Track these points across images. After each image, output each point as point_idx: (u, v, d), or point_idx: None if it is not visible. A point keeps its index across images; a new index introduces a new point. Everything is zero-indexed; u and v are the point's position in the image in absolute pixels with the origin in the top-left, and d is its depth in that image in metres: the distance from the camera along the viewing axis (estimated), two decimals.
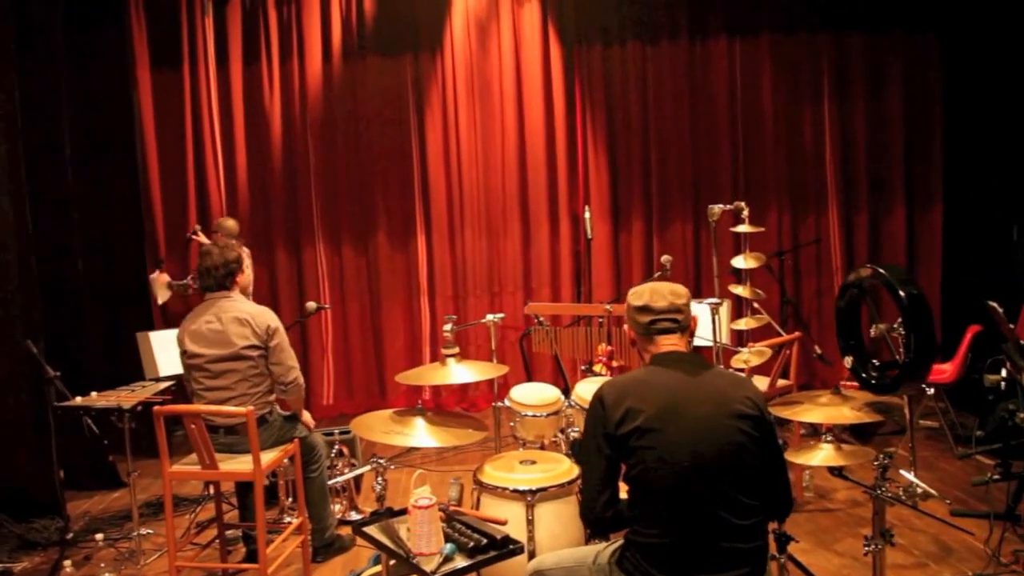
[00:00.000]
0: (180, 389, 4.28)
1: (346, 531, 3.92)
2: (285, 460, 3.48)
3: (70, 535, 3.99)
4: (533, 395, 3.17)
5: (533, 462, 2.91)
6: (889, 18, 6.13)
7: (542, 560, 2.36)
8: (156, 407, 3.20)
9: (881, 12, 6.11)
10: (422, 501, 2.27)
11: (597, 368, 3.81)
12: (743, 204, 4.08)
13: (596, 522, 2.21)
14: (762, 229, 4.71)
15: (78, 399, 3.80)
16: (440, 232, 6.16)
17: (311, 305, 4.34)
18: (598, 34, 6.12)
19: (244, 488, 3.72)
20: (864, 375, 3.24)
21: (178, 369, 4.21)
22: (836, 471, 2.75)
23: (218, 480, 3.52)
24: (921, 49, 6.19)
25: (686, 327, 2.24)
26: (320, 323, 6.12)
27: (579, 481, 2.70)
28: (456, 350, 3.07)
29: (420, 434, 2.82)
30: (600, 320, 4.54)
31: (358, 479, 4.43)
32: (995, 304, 3.58)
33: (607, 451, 2.12)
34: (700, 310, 4.08)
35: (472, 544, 2.29)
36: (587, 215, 4.94)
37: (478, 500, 2.87)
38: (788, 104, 6.24)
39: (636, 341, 2.28)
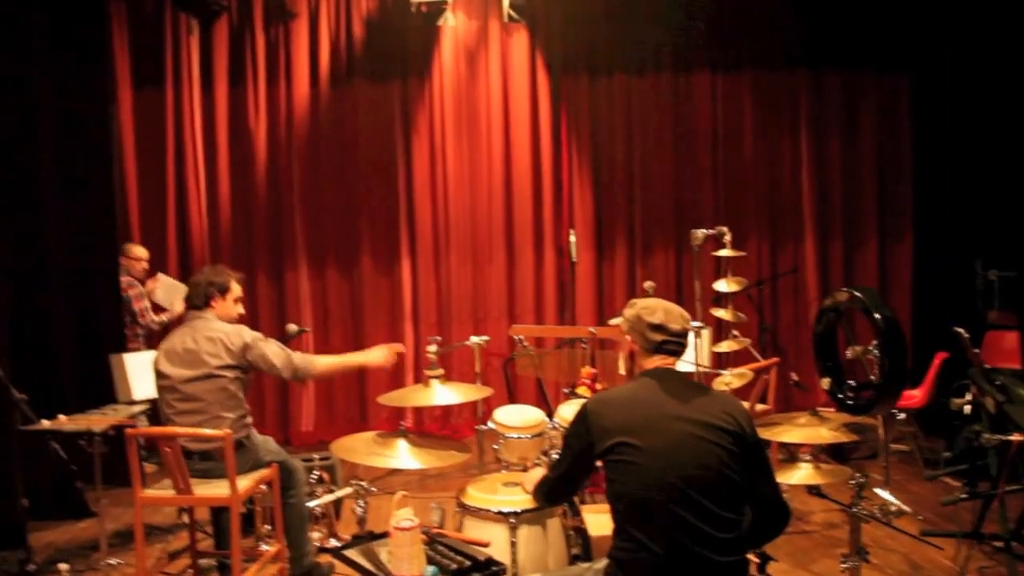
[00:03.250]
0: (155, 413, 4.23)
1: (325, 559, 3.87)
2: (263, 486, 3.43)
3: (32, 567, 3.81)
4: (517, 417, 3.18)
5: (516, 484, 2.90)
6: (863, 58, 6.30)
7: None
8: (129, 430, 3.13)
9: (855, 52, 6.29)
10: (404, 523, 2.26)
11: (581, 391, 3.81)
12: (725, 229, 4.19)
13: (539, 498, 2.46)
14: (743, 254, 4.80)
15: (45, 423, 3.70)
16: (425, 258, 6.16)
17: (292, 328, 4.29)
18: (585, 65, 6.21)
19: (220, 515, 3.60)
20: (840, 396, 3.31)
21: (153, 393, 4.17)
22: (814, 489, 2.83)
23: (193, 506, 3.44)
24: (893, 88, 6.37)
25: (683, 353, 2.32)
26: (301, 348, 6.05)
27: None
28: (440, 371, 3.08)
29: (403, 456, 2.82)
30: (583, 343, 4.58)
31: (338, 505, 4.37)
32: (962, 330, 3.71)
33: (577, 464, 2.25)
34: None
35: (455, 567, 2.28)
36: (572, 239, 4.96)
37: (461, 522, 2.85)
38: (767, 138, 6.37)
39: (635, 354, 2.31)
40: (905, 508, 3.22)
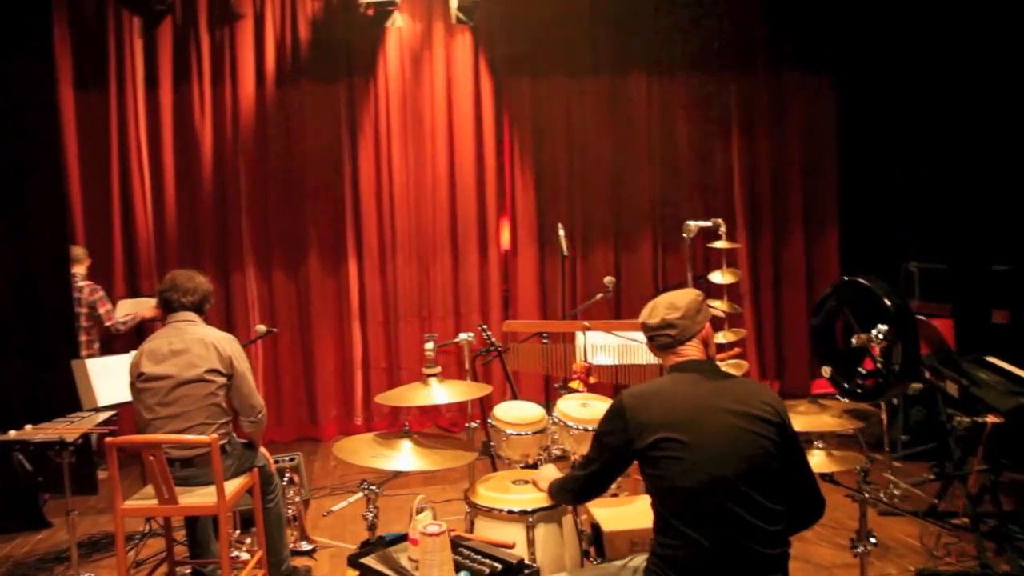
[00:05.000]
0: (123, 421, 4.17)
1: (300, 562, 3.93)
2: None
3: None
4: (517, 413, 3.14)
5: (527, 482, 2.87)
6: (789, 60, 6.64)
7: None
8: (108, 438, 3.07)
9: (782, 55, 6.62)
10: (432, 528, 2.22)
11: (574, 384, 3.93)
12: (720, 221, 4.34)
13: (563, 497, 2.46)
14: (739, 245, 4.95)
15: (12, 433, 3.63)
16: (371, 257, 6.21)
17: (261, 328, 4.29)
18: (527, 67, 6.35)
19: (195, 524, 3.56)
20: (847, 384, 3.44)
21: (119, 398, 4.12)
22: (827, 477, 2.89)
23: (179, 515, 3.41)
24: (818, 89, 6.72)
25: (685, 339, 2.26)
26: (249, 349, 6.02)
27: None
28: (438, 369, 3.01)
29: (407, 457, 2.76)
30: (544, 338, 4.75)
31: (304, 506, 4.41)
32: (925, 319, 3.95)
33: (613, 461, 2.22)
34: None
35: (488, 571, 2.25)
36: (560, 233, 4.95)
37: (471, 523, 2.81)
38: (700, 138, 6.65)
39: (654, 353, 2.35)
40: (916, 491, 3.46)
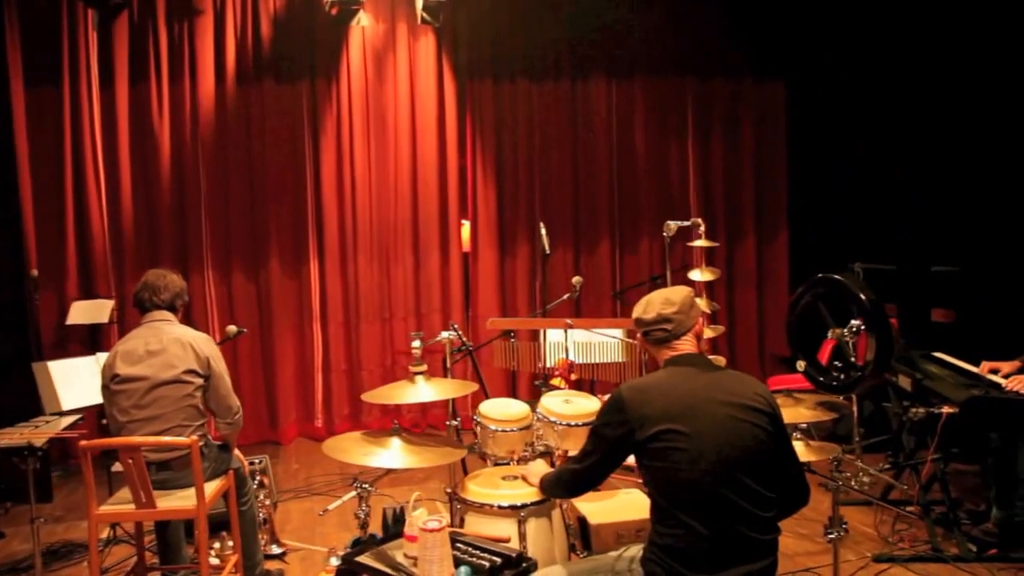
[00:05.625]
0: (90, 424, 4.06)
1: (272, 566, 3.89)
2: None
3: None
4: (503, 410, 3.18)
5: (516, 477, 2.92)
6: (742, 66, 6.82)
7: (544, 575, 2.37)
8: (82, 442, 3.01)
9: (735, 60, 6.80)
10: (431, 523, 2.23)
11: (555, 382, 3.98)
12: (700, 220, 4.45)
13: (557, 491, 2.51)
14: (715, 244, 5.06)
15: None
16: (332, 258, 6.16)
17: (232, 328, 4.22)
18: (489, 70, 6.39)
19: (166, 529, 3.49)
20: (822, 378, 3.56)
21: (84, 402, 4.01)
22: (804, 466, 3.00)
23: (157, 520, 3.31)
24: (769, 94, 6.92)
25: (681, 333, 2.33)
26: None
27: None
28: (424, 367, 3.02)
29: (396, 454, 2.76)
30: (511, 336, 4.81)
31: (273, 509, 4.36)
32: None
33: (612, 453, 2.26)
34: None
35: (489, 565, 2.27)
36: (543, 231, 4.94)
37: (462, 519, 2.83)
38: (657, 141, 6.77)
39: (646, 350, 2.43)
40: (893, 481, 3.60)
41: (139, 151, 5.72)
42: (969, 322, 5.43)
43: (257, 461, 4.19)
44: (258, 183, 5.98)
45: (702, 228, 4.39)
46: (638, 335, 2.42)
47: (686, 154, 6.85)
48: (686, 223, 4.40)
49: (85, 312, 5.25)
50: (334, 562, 3.76)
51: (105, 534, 4.15)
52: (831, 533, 2.99)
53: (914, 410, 3.81)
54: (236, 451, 3.54)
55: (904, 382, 4.06)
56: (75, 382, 3.97)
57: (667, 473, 2.15)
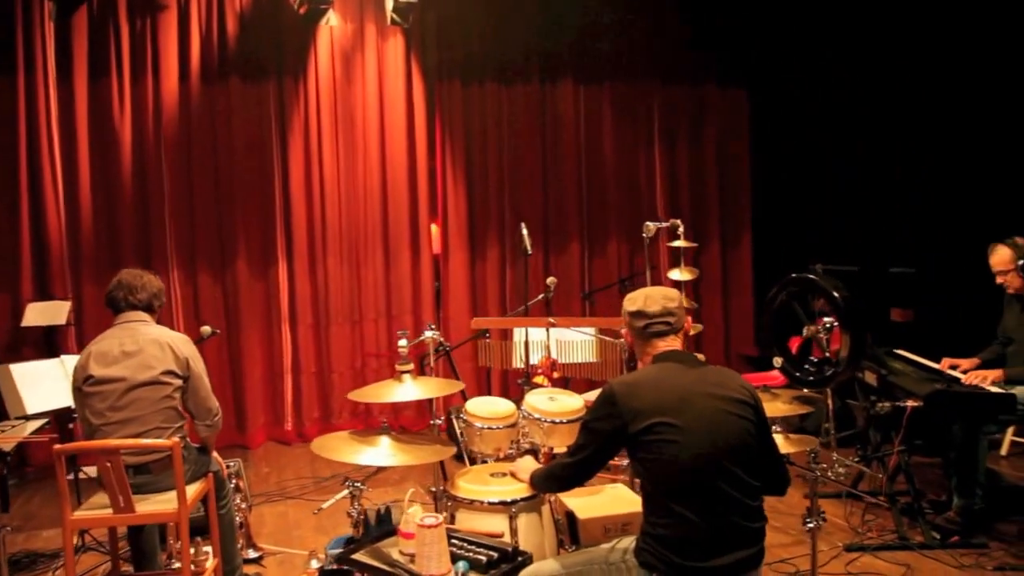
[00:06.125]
0: (56, 428, 3.94)
1: (251, 570, 3.83)
2: None
3: None
4: (489, 408, 3.19)
5: (504, 474, 2.94)
6: (706, 74, 6.95)
7: (537, 569, 2.38)
8: (57, 446, 2.92)
9: (700, 67, 6.92)
10: (428, 520, 2.24)
11: (538, 380, 4.00)
12: (679, 222, 4.49)
13: (549, 485, 2.52)
14: (695, 245, 5.12)
15: None
16: (301, 259, 6.08)
17: (206, 329, 4.13)
18: (458, 72, 6.39)
19: (140, 533, 3.39)
20: (799, 373, 3.64)
21: (50, 405, 3.90)
22: (784, 458, 3.07)
23: (136, 524, 3.22)
24: (732, 101, 7.07)
25: (679, 328, 2.41)
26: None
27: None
28: (411, 366, 3.01)
29: (385, 453, 2.75)
30: (486, 336, 4.83)
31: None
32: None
33: (605, 446, 2.30)
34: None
35: (486, 559, 2.28)
36: (524, 231, 4.92)
37: (452, 516, 2.84)
38: (625, 145, 6.85)
39: (634, 344, 2.45)
40: (864, 468, 3.71)
41: (99, 149, 5.57)
42: (926, 321, 5.62)
43: (231, 464, 4.12)
44: (224, 183, 5.87)
45: (681, 229, 4.42)
46: (630, 329, 2.45)
47: (653, 159, 6.95)
48: (665, 224, 4.45)
49: (41, 314, 5.10)
50: (315, 565, 3.71)
51: (74, 542, 4.02)
52: (810, 522, 3.07)
53: (880, 404, 3.93)
54: (214, 453, 3.48)
55: (870, 378, 4.19)
56: (39, 385, 3.85)
57: (661, 465, 2.20)
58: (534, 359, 4.66)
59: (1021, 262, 4.01)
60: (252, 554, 3.99)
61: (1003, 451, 5.17)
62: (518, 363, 5.12)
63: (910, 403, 3.79)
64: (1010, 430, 5.12)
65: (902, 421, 3.81)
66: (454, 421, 5.13)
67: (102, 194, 5.61)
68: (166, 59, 5.64)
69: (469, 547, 2.40)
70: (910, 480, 4.12)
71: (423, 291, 6.42)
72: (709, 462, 2.18)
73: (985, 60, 5.61)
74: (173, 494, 3.05)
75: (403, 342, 3.07)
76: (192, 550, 3.75)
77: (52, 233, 5.45)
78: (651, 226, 4.42)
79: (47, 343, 5.40)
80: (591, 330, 4.53)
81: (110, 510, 2.95)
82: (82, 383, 3.11)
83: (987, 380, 3.94)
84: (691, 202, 7.05)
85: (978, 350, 4.33)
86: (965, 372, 4.12)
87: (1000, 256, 4.11)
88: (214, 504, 3.34)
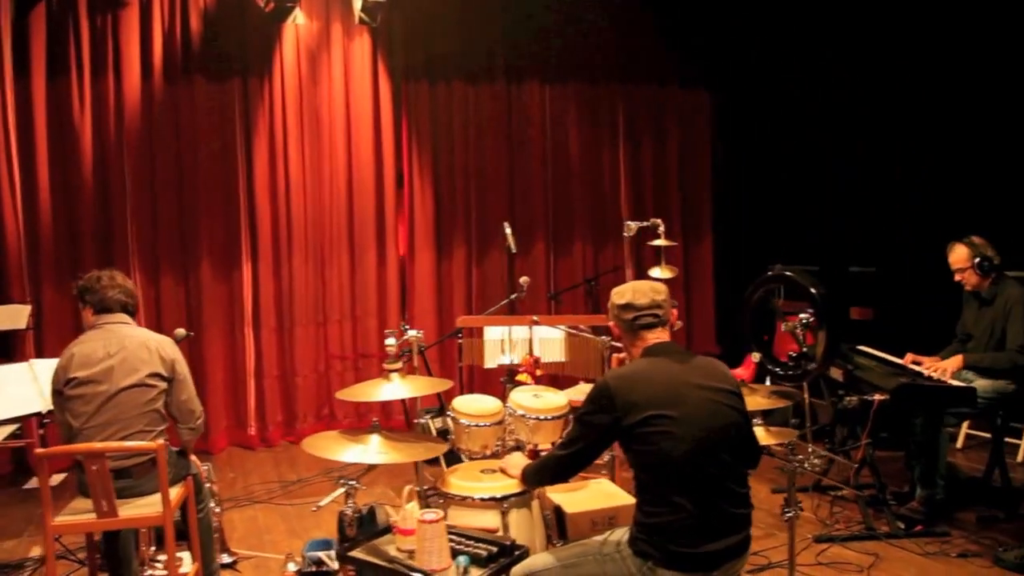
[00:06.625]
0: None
1: (226, 574, 3.77)
2: None
3: None
4: (477, 406, 3.20)
5: (494, 471, 2.97)
6: (668, 74, 7.06)
7: (531, 563, 2.41)
8: (38, 450, 2.87)
9: (663, 68, 7.03)
10: (428, 516, 2.25)
11: (521, 377, 4.02)
12: (659, 221, 4.57)
13: (543, 478, 2.54)
14: (675, 243, 5.16)
15: None
16: (266, 261, 6.00)
17: (180, 332, 4.05)
18: (425, 72, 6.38)
19: (115, 539, 3.29)
20: (778, 369, 3.72)
21: (19, 411, 3.78)
22: (764, 449, 3.11)
23: (119, 528, 3.11)
24: (694, 102, 7.19)
25: (666, 321, 2.46)
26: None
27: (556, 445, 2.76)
28: (399, 365, 3.00)
29: (375, 451, 2.73)
30: (458, 336, 4.84)
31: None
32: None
33: (599, 439, 2.35)
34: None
35: (486, 554, 2.30)
36: (508, 230, 4.87)
37: (444, 512, 2.71)
38: (590, 145, 6.92)
39: (622, 337, 2.49)
40: (842, 459, 3.79)
41: (58, 148, 5.42)
42: (886, 319, 5.80)
43: (204, 468, 4.05)
44: (188, 183, 5.77)
45: (661, 228, 4.50)
46: (618, 321, 2.48)
47: (617, 159, 7.03)
48: (646, 223, 4.53)
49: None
50: (292, 568, 3.68)
51: (42, 552, 3.92)
52: (789, 512, 3.16)
53: (848, 398, 4.06)
54: (192, 456, 3.43)
55: (836, 373, 4.31)
56: (7, 389, 3.73)
57: (656, 456, 2.25)
58: (511, 359, 4.70)
59: (977, 259, 4.18)
60: (226, 559, 3.94)
61: (959, 444, 5.38)
62: (490, 363, 5.16)
63: (877, 397, 3.92)
64: (965, 424, 5.32)
65: (869, 415, 3.94)
66: (430, 422, 5.14)
67: (61, 195, 5.46)
68: (128, 57, 5.52)
69: (468, 542, 2.41)
70: (875, 472, 4.26)
71: (389, 292, 6.39)
72: (702, 452, 2.24)
73: (932, 53, 5.82)
74: (154, 498, 3.01)
75: (391, 340, 3.06)
76: (163, 556, 3.70)
77: (10, 235, 5.29)
78: (632, 225, 4.48)
79: (3, 348, 5.24)
80: (561, 328, 4.58)
81: (92, 515, 2.89)
82: (63, 385, 3.05)
83: (947, 372, 4.09)
84: (655, 202, 7.15)
85: (938, 349, 4.49)
86: (926, 369, 4.27)
87: (958, 254, 4.28)
88: (194, 508, 3.29)
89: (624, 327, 2.48)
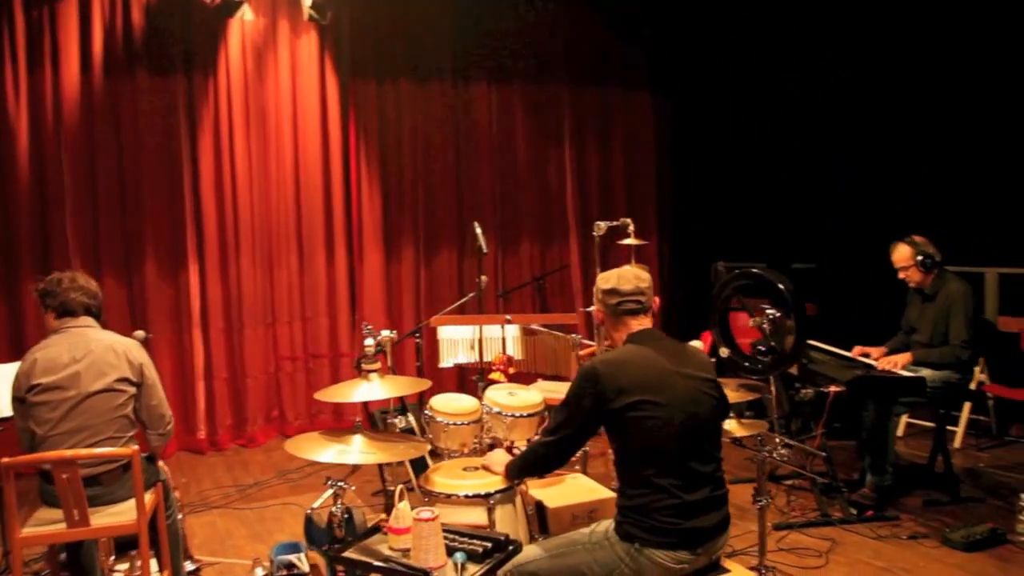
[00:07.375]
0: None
1: None
2: None
3: None
4: (454, 404, 3.21)
5: (476, 468, 2.98)
6: (612, 76, 7.16)
7: (522, 555, 2.41)
8: (5, 459, 2.73)
9: (606, 70, 7.13)
10: (424, 514, 2.24)
11: (495, 376, 4.02)
12: (629, 220, 4.60)
13: (530, 469, 2.58)
14: (645, 242, 5.24)
15: None
16: (212, 261, 5.85)
17: (139, 334, 3.90)
18: (373, 70, 6.32)
19: (79, 549, 3.15)
20: (747, 363, 3.82)
21: None
22: (737, 441, 3.28)
23: (88, 538, 3.00)
24: (638, 103, 7.32)
25: (649, 307, 2.51)
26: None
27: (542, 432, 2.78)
28: (378, 365, 2.98)
29: (358, 451, 2.71)
30: (416, 336, 4.83)
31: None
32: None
33: (587, 423, 2.39)
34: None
35: (481, 550, 2.31)
36: (478, 230, 4.85)
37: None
38: (537, 145, 6.97)
39: (605, 322, 2.53)
40: (811, 449, 3.98)
41: None
42: (829, 315, 6.04)
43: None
44: (130, 181, 5.57)
45: (631, 228, 4.58)
46: (603, 306, 2.52)
47: (563, 159, 7.09)
48: (616, 223, 4.60)
49: None
50: (260, 573, 3.62)
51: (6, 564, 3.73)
52: (760, 500, 3.26)
53: (804, 391, 4.21)
54: (160, 462, 3.33)
55: (791, 367, 4.48)
56: None
57: (642, 439, 2.31)
58: (467, 358, 4.72)
59: (920, 257, 4.40)
60: (189, 566, 3.82)
61: (899, 432, 5.64)
62: (446, 362, 5.16)
63: (832, 389, 4.09)
64: (905, 415, 5.59)
65: (824, 406, 4.10)
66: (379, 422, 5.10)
67: None
68: (66, 49, 5.30)
69: (461, 539, 2.41)
70: (829, 462, 4.43)
71: (339, 292, 6.31)
72: (685, 436, 2.32)
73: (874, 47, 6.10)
74: (125, 506, 2.92)
75: (369, 340, 3.04)
76: (127, 564, 3.59)
77: None
78: (602, 225, 4.54)
79: None
80: (535, 327, 4.62)
81: (63, 525, 2.77)
82: (26, 392, 2.92)
83: (898, 365, 4.30)
84: (600, 202, 7.25)
85: (880, 342, 4.71)
86: (876, 360, 4.48)
87: (900, 253, 4.49)
88: (163, 515, 3.19)
89: (608, 311, 2.52)
